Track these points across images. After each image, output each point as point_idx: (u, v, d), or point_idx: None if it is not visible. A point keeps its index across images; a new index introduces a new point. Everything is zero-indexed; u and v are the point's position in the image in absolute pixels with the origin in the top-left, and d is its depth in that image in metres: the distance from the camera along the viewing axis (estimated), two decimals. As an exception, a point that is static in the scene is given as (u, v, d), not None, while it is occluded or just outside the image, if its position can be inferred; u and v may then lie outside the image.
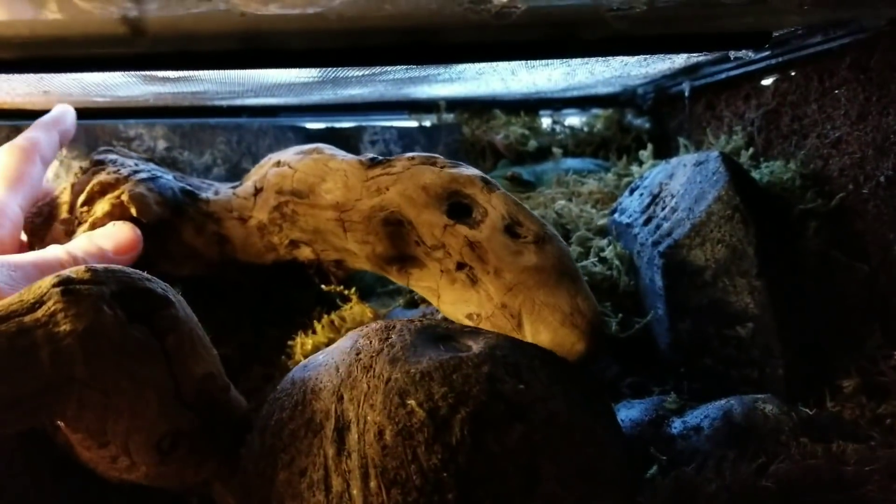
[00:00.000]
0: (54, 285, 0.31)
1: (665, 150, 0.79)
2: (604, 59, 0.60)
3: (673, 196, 0.57)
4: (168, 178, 0.51)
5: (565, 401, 0.33)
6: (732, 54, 0.58)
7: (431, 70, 0.62)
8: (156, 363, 0.33)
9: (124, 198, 0.47)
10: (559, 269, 0.40)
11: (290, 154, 0.50)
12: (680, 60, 0.65)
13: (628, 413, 0.46)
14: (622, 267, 0.58)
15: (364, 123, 0.78)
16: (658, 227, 0.56)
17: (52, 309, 0.31)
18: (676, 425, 0.44)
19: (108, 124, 0.70)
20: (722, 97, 0.72)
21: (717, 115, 0.73)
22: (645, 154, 0.74)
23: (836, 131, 0.57)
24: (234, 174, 0.70)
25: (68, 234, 0.48)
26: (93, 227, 0.47)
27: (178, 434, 0.34)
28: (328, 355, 0.36)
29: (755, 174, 0.60)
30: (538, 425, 0.31)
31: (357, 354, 0.34)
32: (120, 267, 0.35)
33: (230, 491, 0.36)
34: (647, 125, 0.84)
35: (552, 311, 0.39)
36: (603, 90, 0.83)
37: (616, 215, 0.63)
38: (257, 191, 0.50)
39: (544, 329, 0.39)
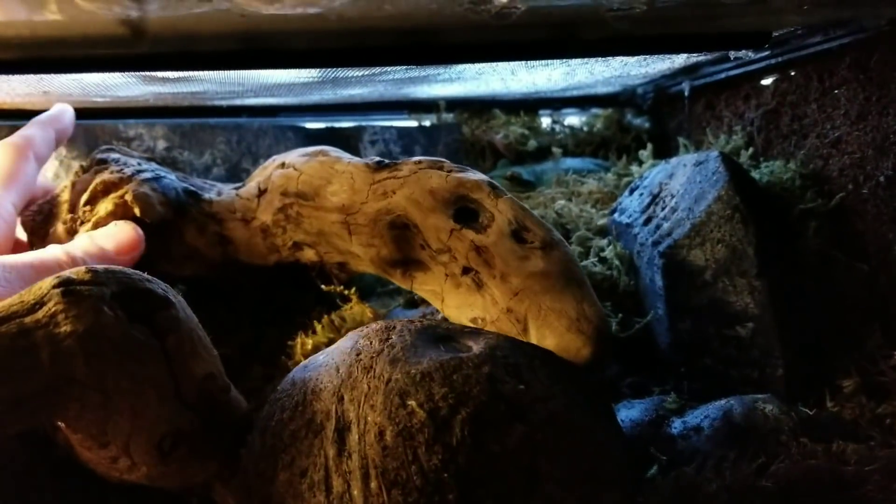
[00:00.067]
0: (55, 286, 0.31)
1: (665, 150, 0.79)
2: (604, 59, 0.60)
3: (673, 196, 0.57)
4: (171, 178, 0.51)
5: (565, 401, 0.33)
6: (732, 54, 0.58)
7: (431, 70, 0.62)
8: (156, 364, 0.33)
9: (128, 197, 0.47)
10: (566, 275, 0.40)
11: (294, 156, 0.50)
12: (680, 60, 0.65)
13: (628, 413, 0.46)
14: (622, 267, 0.58)
15: (364, 123, 0.78)
16: (658, 226, 0.56)
17: (53, 310, 0.31)
18: (676, 425, 0.44)
19: (108, 124, 0.70)
20: (722, 97, 0.72)
21: (716, 115, 0.73)
22: (645, 154, 0.74)
23: (836, 131, 0.57)
24: (234, 174, 0.70)
25: (70, 234, 0.48)
26: (95, 226, 0.47)
27: (179, 434, 0.34)
28: (328, 356, 0.36)
29: (755, 174, 0.60)
30: (538, 425, 0.31)
31: (357, 355, 0.34)
32: (120, 268, 0.35)
33: (231, 491, 0.36)
34: (647, 125, 0.84)
35: (558, 316, 0.39)
36: (603, 90, 0.83)
37: (616, 215, 0.63)
38: (261, 192, 0.50)
39: (550, 334, 0.39)
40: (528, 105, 0.85)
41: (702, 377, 0.51)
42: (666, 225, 0.55)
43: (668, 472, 0.39)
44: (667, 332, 0.53)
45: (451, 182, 0.43)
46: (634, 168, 0.74)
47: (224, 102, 0.73)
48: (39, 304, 0.31)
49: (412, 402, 0.30)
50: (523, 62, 0.59)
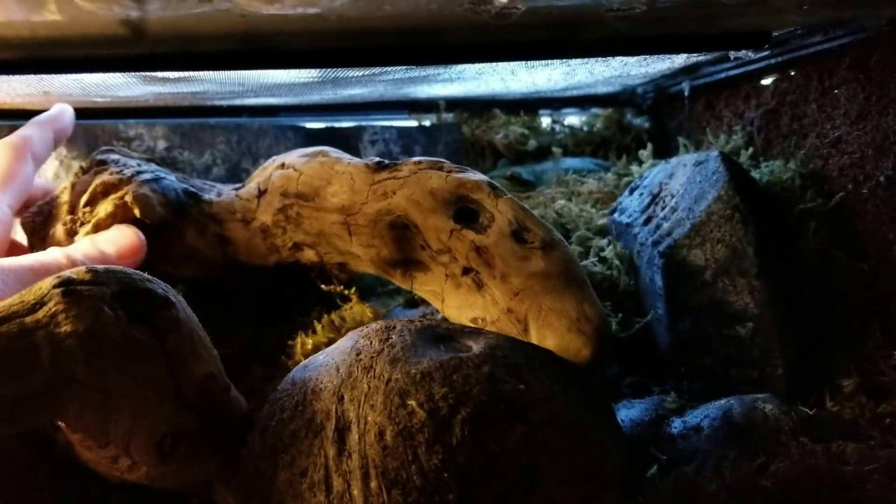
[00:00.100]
0: (55, 286, 0.31)
1: (665, 150, 0.79)
2: (603, 59, 0.60)
3: (673, 196, 0.57)
4: (171, 178, 0.51)
5: (565, 401, 0.33)
6: (732, 54, 0.58)
7: (431, 70, 0.62)
8: (156, 364, 0.33)
9: (128, 199, 0.47)
10: (566, 275, 0.40)
11: (294, 156, 0.50)
12: (679, 60, 0.65)
13: (628, 413, 0.46)
14: (622, 266, 0.58)
15: (364, 123, 0.78)
16: (658, 226, 0.56)
17: (53, 310, 0.31)
18: (676, 425, 0.44)
19: (108, 124, 0.70)
20: (721, 97, 0.72)
21: (716, 115, 0.73)
22: (645, 154, 0.74)
23: (836, 131, 0.57)
24: (234, 174, 0.70)
25: (70, 235, 0.48)
26: (96, 227, 0.47)
27: (179, 434, 0.34)
28: (328, 355, 0.36)
29: (755, 174, 0.60)
30: (538, 425, 0.31)
31: (357, 355, 0.34)
32: (120, 268, 0.35)
33: (231, 491, 0.36)
34: (647, 125, 0.84)
35: (559, 316, 0.39)
36: (602, 90, 0.83)
37: (616, 215, 0.63)
38: (261, 193, 0.50)
39: (551, 334, 0.39)
40: (528, 105, 0.85)
41: (702, 377, 0.51)
42: (666, 225, 0.55)
43: (668, 472, 0.39)
44: (667, 332, 0.53)
45: (452, 182, 0.43)
46: (634, 168, 0.74)
47: (224, 102, 0.73)
48: (40, 303, 0.31)
49: (412, 402, 0.30)
50: (523, 62, 0.60)
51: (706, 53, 0.62)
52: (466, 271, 0.42)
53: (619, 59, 0.61)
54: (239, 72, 0.56)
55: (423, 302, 0.53)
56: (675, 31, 0.54)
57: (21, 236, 0.52)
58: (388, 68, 0.59)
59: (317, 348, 0.48)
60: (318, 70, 0.57)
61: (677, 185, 0.57)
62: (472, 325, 0.42)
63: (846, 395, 0.49)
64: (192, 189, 0.52)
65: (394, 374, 0.32)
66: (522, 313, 0.40)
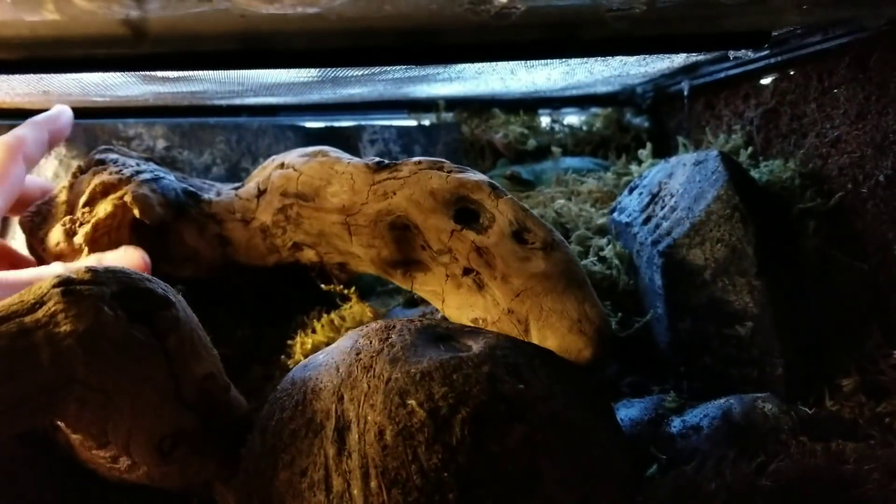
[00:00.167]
0: (55, 286, 0.32)
1: (664, 149, 0.79)
2: (603, 58, 0.60)
3: (672, 195, 0.57)
4: (170, 178, 0.51)
5: (565, 400, 0.33)
6: (732, 54, 0.58)
7: (431, 70, 0.62)
8: (156, 363, 0.33)
9: (127, 199, 0.47)
10: (567, 276, 0.40)
11: (294, 156, 0.50)
12: (679, 60, 0.65)
13: (628, 412, 0.46)
14: (621, 266, 0.58)
15: (363, 122, 0.78)
16: (657, 226, 0.56)
17: (53, 309, 0.31)
18: (676, 424, 0.44)
19: (108, 124, 0.70)
20: (721, 96, 0.72)
21: (716, 115, 0.73)
22: (644, 153, 0.74)
23: (836, 130, 0.57)
24: (234, 173, 0.70)
25: (69, 235, 0.48)
26: (95, 228, 0.47)
27: (179, 434, 0.34)
28: (328, 355, 0.36)
29: (754, 173, 0.60)
30: (538, 425, 0.31)
31: (357, 354, 0.34)
32: (121, 267, 0.35)
33: (231, 491, 0.36)
34: (647, 124, 0.84)
35: (560, 317, 0.39)
36: (602, 89, 0.83)
37: (615, 214, 0.63)
38: (260, 192, 0.50)
39: (552, 335, 0.39)
40: (528, 104, 0.85)
41: (701, 376, 0.51)
42: (665, 224, 0.55)
43: (668, 472, 0.39)
44: (666, 332, 0.53)
45: (452, 183, 0.43)
46: (634, 167, 0.74)
47: (224, 102, 0.73)
48: (39, 303, 0.31)
49: (412, 402, 0.30)
50: (523, 62, 0.60)
51: (706, 53, 0.62)
52: (467, 272, 0.42)
53: (618, 58, 0.61)
54: (239, 71, 0.56)
55: (423, 301, 0.53)
56: (675, 31, 0.54)
57: (21, 237, 0.52)
58: (388, 68, 0.59)
59: (316, 348, 0.48)
60: (317, 70, 0.57)
61: (677, 185, 0.57)
62: (472, 325, 0.42)
63: (846, 394, 0.49)
64: (191, 189, 0.51)
65: (394, 373, 0.32)
66: (523, 314, 0.40)
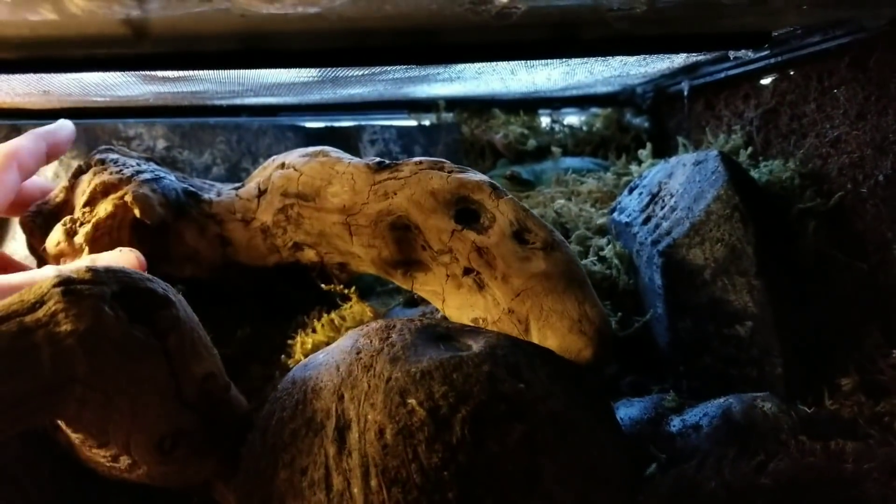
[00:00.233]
0: (55, 285, 0.31)
1: (664, 150, 0.79)
2: (603, 58, 0.60)
3: (672, 195, 0.57)
4: (171, 178, 0.51)
5: (565, 400, 0.33)
6: (732, 54, 0.58)
7: (431, 70, 0.62)
8: (157, 363, 0.33)
9: (128, 199, 0.47)
10: (567, 276, 0.40)
11: (294, 156, 0.50)
12: (679, 60, 0.65)
13: (628, 411, 0.46)
14: (621, 266, 0.58)
15: (363, 123, 0.78)
16: (657, 226, 0.56)
17: (53, 309, 0.31)
18: (675, 423, 0.44)
19: (108, 124, 0.70)
20: (721, 96, 0.72)
21: (716, 115, 0.73)
22: (644, 153, 0.74)
23: (835, 130, 0.57)
24: (234, 174, 0.70)
25: (69, 235, 0.48)
26: (95, 228, 0.47)
27: (179, 434, 0.34)
28: (328, 354, 0.36)
29: (754, 173, 0.60)
30: (538, 424, 0.31)
31: (357, 354, 0.34)
32: (121, 267, 0.35)
33: (231, 490, 0.36)
34: (646, 124, 0.84)
35: (560, 317, 0.39)
36: (602, 89, 0.83)
37: (615, 214, 0.63)
38: (261, 192, 0.50)
39: (552, 335, 0.39)
40: (528, 104, 0.85)
41: (701, 376, 0.51)
42: (665, 224, 0.55)
43: (668, 471, 0.39)
44: (666, 331, 0.53)
45: (453, 183, 0.43)
46: (634, 167, 0.74)
47: (224, 102, 0.73)
48: (40, 303, 0.31)
49: (412, 401, 0.30)
50: (523, 62, 0.60)
51: (706, 53, 0.62)
52: (467, 272, 0.42)
53: (618, 58, 0.61)
54: (239, 71, 0.56)
55: (423, 301, 0.53)
56: (675, 31, 0.54)
57: (21, 237, 0.52)
58: (388, 68, 0.59)
59: (317, 347, 0.48)
60: (317, 70, 0.57)
61: (676, 185, 0.57)
62: (472, 325, 0.42)
63: (845, 393, 0.49)
64: (191, 189, 0.51)
65: (394, 372, 0.32)
66: (524, 314, 0.40)
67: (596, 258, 0.59)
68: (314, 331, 0.51)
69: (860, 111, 0.54)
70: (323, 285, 0.51)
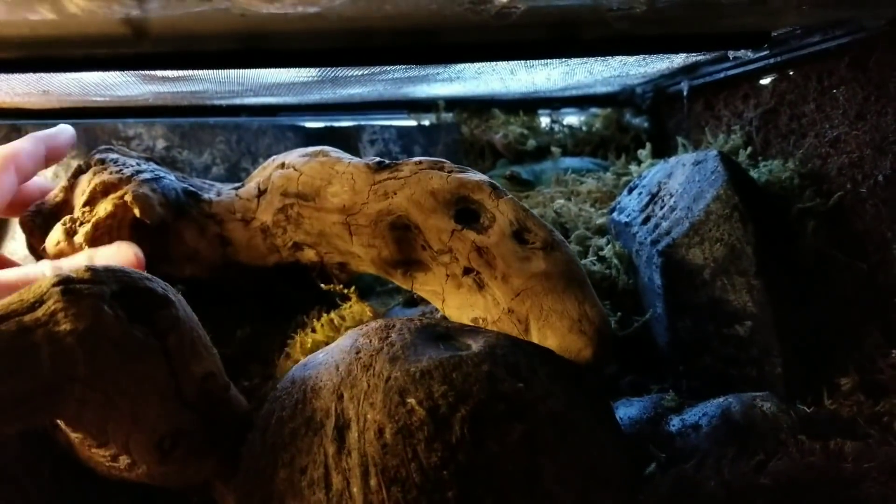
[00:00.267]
0: (54, 284, 0.31)
1: (664, 150, 0.79)
2: (603, 58, 0.61)
3: (671, 195, 0.57)
4: (171, 178, 0.51)
5: (565, 399, 0.33)
6: (731, 54, 0.58)
7: (431, 70, 0.62)
8: (156, 363, 0.33)
9: (127, 198, 0.47)
10: (567, 276, 0.40)
11: (294, 156, 0.50)
12: (679, 60, 0.66)
13: (627, 411, 0.46)
14: (621, 266, 0.58)
15: (363, 122, 0.78)
16: (657, 225, 0.56)
17: (53, 308, 0.31)
18: (675, 423, 0.44)
19: (108, 124, 0.70)
20: (720, 96, 0.72)
21: (715, 115, 0.73)
22: (643, 153, 0.74)
23: (835, 130, 0.57)
24: (234, 174, 0.70)
25: (69, 235, 0.48)
26: (95, 227, 0.47)
27: (179, 433, 0.34)
28: (328, 354, 0.36)
29: (753, 173, 0.60)
30: (538, 424, 0.31)
31: (357, 353, 0.34)
32: (120, 266, 0.35)
33: (231, 490, 0.36)
34: (646, 124, 0.84)
35: (560, 317, 0.39)
36: (602, 89, 0.83)
37: (615, 214, 0.63)
38: (261, 192, 0.50)
39: (552, 335, 0.39)
40: (528, 105, 0.85)
41: (700, 375, 0.51)
42: (665, 224, 0.55)
43: (667, 470, 0.39)
44: (665, 331, 0.53)
45: (452, 183, 0.43)
46: (633, 167, 0.74)
47: (223, 102, 0.73)
48: (39, 302, 0.31)
49: (412, 400, 0.30)
50: (523, 62, 0.60)
51: (705, 53, 0.62)
52: (467, 272, 0.42)
53: (618, 58, 0.61)
54: (239, 71, 0.56)
55: (423, 300, 0.53)
56: (675, 31, 0.54)
57: (21, 237, 0.52)
58: (388, 68, 0.59)
59: (316, 347, 0.48)
60: (317, 70, 0.57)
61: (676, 185, 0.57)
62: (472, 324, 0.42)
63: (844, 393, 0.49)
64: (191, 189, 0.51)
65: (393, 372, 0.32)
66: (523, 314, 0.40)
67: (595, 258, 0.59)
68: (314, 330, 0.51)
69: (860, 111, 0.55)
70: (323, 285, 0.51)
